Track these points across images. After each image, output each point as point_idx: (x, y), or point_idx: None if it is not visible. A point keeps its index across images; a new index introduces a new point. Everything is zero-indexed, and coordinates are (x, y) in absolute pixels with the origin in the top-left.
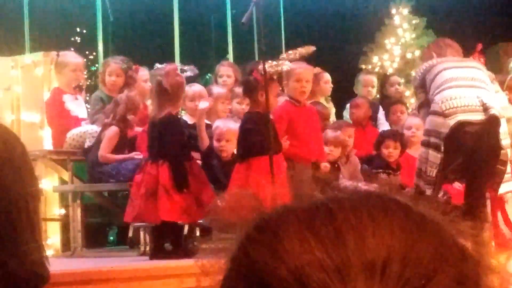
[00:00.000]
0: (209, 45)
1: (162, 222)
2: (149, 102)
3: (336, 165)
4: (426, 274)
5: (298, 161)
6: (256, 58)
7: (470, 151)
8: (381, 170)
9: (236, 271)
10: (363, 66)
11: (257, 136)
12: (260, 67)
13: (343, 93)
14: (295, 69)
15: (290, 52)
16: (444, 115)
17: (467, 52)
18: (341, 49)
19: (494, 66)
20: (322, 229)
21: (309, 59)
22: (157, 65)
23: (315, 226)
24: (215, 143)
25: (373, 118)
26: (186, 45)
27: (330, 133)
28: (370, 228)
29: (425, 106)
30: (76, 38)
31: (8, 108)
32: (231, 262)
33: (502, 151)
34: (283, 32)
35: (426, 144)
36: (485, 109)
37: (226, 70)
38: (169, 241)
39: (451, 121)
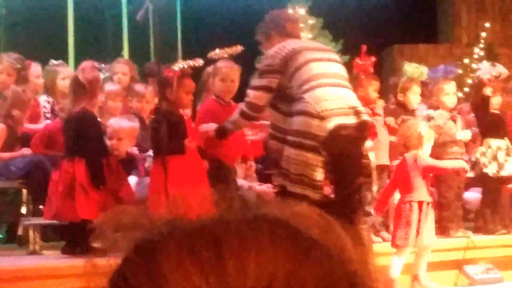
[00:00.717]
0: (104, 42)
1: (82, 220)
2: (42, 99)
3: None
4: None
5: (224, 160)
6: (152, 55)
7: (342, 153)
8: (274, 171)
9: None
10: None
11: (167, 134)
12: (175, 65)
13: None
14: (221, 68)
15: (217, 51)
16: (319, 117)
17: (356, 54)
18: (238, 43)
19: (389, 68)
20: (203, 254)
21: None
22: (52, 61)
23: (196, 250)
24: (108, 142)
25: None
26: (80, 40)
27: None
28: (253, 254)
29: (271, 91)
30: None
31: None
32: (109, 284)
33: (365, 161)
34: (179, 28)
35: (297, 146)
36: (356, 113)
37: (122, 68)
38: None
39: (328, 124)
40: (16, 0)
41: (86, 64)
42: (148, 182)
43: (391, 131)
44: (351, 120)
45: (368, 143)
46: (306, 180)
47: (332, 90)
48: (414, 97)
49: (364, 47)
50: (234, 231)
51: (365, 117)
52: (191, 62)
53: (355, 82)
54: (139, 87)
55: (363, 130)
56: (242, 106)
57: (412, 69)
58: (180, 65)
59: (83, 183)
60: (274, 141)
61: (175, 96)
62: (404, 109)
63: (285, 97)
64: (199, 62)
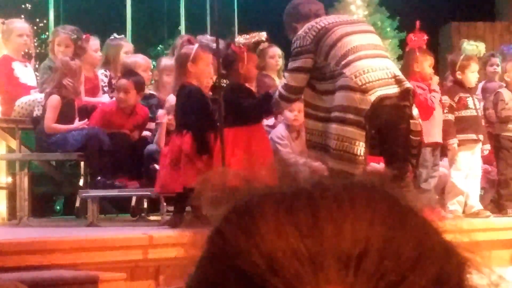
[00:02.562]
0: (161, 16)
1: (184, 189)
2: (100, 72)
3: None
4: (403, 270)
5: None
6: (208, 30)
7: (387, 125)
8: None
9: (210, 251)
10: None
11: (242, 106)
12: (236, 40)
13: None
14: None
15: (241, 39)
16: (361, 90)
17: (410, 30)
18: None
19: (446, 46)
20: (300, 216)
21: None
22: (115, 35)
23: (293, 212)
24: (166, 116)
25: None
26: (138, 15)
27: None
28: (350, 219)
29: (307, 72)
30: (27, 5)
31: None
32: (207, 241)
33: (414, 121)
34: (235, 3)
35: (340, 121)
36: (398, 81)
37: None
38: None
39: (371, 97)
40: None
41: (185, 38)
42: None
43: (448, 109)
44: (394, 89)
45: (414, 111)
46: (346, 155)
47: (371, 61)
48: (472, 75)
49: (418, 23)
50: (331, 195)
51: (407, 84)
52: (256, 37)
53: (410, 57)
54: (166, 61)
55: (407, 97)
56: (280, 88)
57: (471, 46)
58: (242, 39)
59: (189, 153)
60: (311, 120)
61: (246, 69)
62: (461, 87)
63: (321, 76)
64: (263, 36)
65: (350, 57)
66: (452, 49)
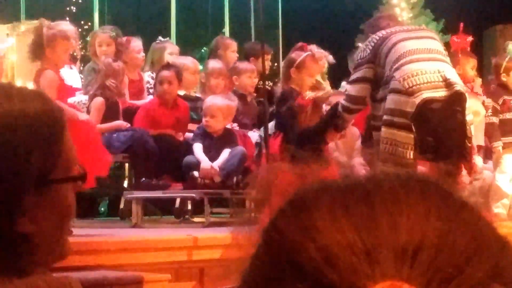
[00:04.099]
0: (206, 18)
1: None
2: (146, 74)
3: None
4: (459, 264)
5: None
6: (252, 33)
7: (437, 129)
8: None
9: (266, 245)
10: (360, 44)
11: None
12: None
13: (339, 71)
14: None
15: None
16: (407, 93)
17: (454, 33)
18: (338, 26)
19: (490, 49)
20: (356, 209)
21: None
22: (160, 38)
23: (349, 205)
24: (203, 118)
25: None
26: (182, 17)
27: None
28: (405, 212)
29: (367, 82)
30: (72, 7)
31: (3, 76)
32: (263, 235)
33: (468, 127)
34: (280, 7)
35: (388, 124)
36: (449, 85)
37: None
38: None
39: (416, 100)
40: None
41: (298, 45)
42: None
43: (492, 112)
44: (442, 92)
45: (469, 117)
46: (395, 159)
47: (421, 64)
48: None
49: (461, 25)
50: (386, 188)
51: (459, 87)
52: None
53: (452, 60)
54: (244, 64)
55: (457, 101)
56: (342, 101)
57: None
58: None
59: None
60: (375, 132)
61: (299, 77)
62: (505, 89)
63: (380, 85)
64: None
65: (401, 61)
66: (496, 51)
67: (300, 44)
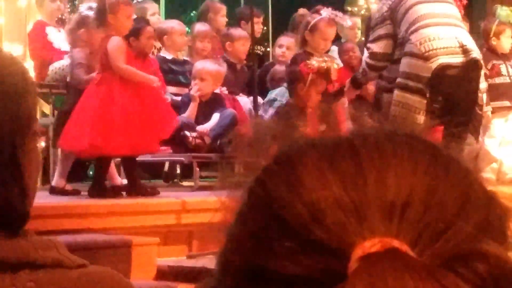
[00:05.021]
0: None
1: None
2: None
3: None
4: (448, 219)
5: None
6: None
7: (450, 95)
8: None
9: (252, 203)
10: (349, 8)
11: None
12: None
13: None
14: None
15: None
16: (424, 57)
17: None
18: None
19: (480, 13)
20: (343, 165)
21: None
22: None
23: (335, 160)
24: (192, 81)
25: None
26: None
27: None
28: (393, 167)
29: (390, 38)
30: None
31: None
32: (247, 193)
33: (480, 95)
34: None
35: (402, 87)
36: (465, 51)
37: (214, 8)
38: None
39: (433, 65)
40: None
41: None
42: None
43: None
44: (459, 59)
45: (482, 85)
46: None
47: (439, 29)
48: (506, 40)
49: None
50: (373, 143)
51: (475, 54)
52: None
53: None
54: (238, 31)
55: (473, 68)
56: (366, 59)
57: (506, 12)
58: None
59: None
60: (385, 93)
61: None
62: (494, 54)
63: (396, 46)
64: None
65: (418, 24)
66: (486, 15)
67: (317, 7)
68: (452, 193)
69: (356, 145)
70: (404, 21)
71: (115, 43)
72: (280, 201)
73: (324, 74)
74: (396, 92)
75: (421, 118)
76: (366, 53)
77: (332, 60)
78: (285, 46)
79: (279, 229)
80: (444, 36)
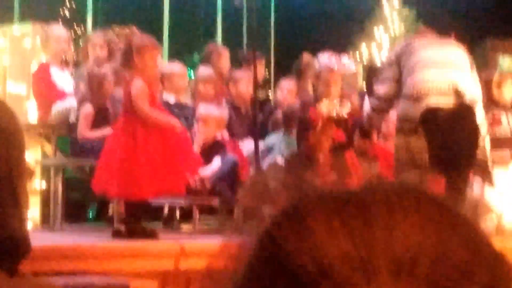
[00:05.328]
0: (198, 24)
1: None
2: None
3: None
4: (455, 278)
5: None
6: (244, 40)
7: (445, 138)
8: None
9: (260, 255)
10: (351, 55)
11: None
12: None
13: None
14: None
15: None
16: (414, 99)
17: None
18: (330, 34)
19: (481, 62)
20: (351, 221)
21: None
22: None
23: (344, 216)
24: (195, 125)
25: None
26: (175, 22)
27: None
28: (401, 223)
29: (395, 81)
30: (65, 11)
31: None
32: (256, 244)
33: (481, 137)
34: (272, 16)
35: (399, 131)
36: (458, 94)
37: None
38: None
39: (422, 105)
40: None
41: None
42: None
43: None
44: (449, 101)
45: (483, 129)
46: (412, 165)
47: (434, 71)
48: (508, 91)
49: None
50: (381, 199)
51: (469, 98)
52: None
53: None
54: (241, 72)
55: (464, 113)
56: (371, 100)
57: (508, 62)
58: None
59: None
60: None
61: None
62: (495, 104)
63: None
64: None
65: (416, 67)
66: (487, 65)
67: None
68: (460, 252)
69: (365, 201)
70: (406, 66)
71: (139, 86)
72: (289, 254)
73: (335, 120)
74: (396, 137)
75: (425, 157)
76: (368, 99)
77: (342, 105)
78: (286, 90)
79: (287, 283)
80: (437, 79)
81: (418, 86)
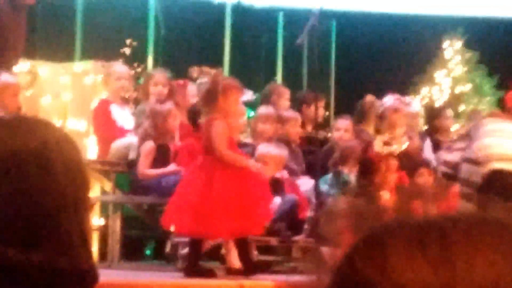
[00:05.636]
0: (258, 64)
1: None
2: None
3: None
4: None
5: None
6: (304, 81)
7: (500, 201)
8: None
9: (341, 282)
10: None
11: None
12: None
13: None
14: None
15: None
16: (477, 162)
17: (508, 88)
18: (391, 75)
19: None
20: (432, 248)
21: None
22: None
23: (424, 244)
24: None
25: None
26: (235, 62)
27: None
28: (481, 252)
29: (459, 151)
30: (126, 49)
31: (56, 114)
32: (336, 272)
33: None
34: (333, 58)
35: (460, 195)
36: None
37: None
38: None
39: (484, 169)
40: (175, 21)
41: None
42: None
43: None
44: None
45: None
46: None
47: (500, 140)
48: None
49: None
50: (462, 228)
51: None
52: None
53: (509, 116)
54: (289, 113)
55: None
56: (442, 168)
57: None
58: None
59: None
60: None
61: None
62: None
63: None
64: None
65: (482, 135)
66: None
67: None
68: None
69: (445, 229)
70: (474, 136)
71: (221, 128)
72: (369, 281)
73: (395, 156)
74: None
75: None
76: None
77: (398, 142)
78: (342, 129)
79: None
80: (503, 145)
81: (483, 151)
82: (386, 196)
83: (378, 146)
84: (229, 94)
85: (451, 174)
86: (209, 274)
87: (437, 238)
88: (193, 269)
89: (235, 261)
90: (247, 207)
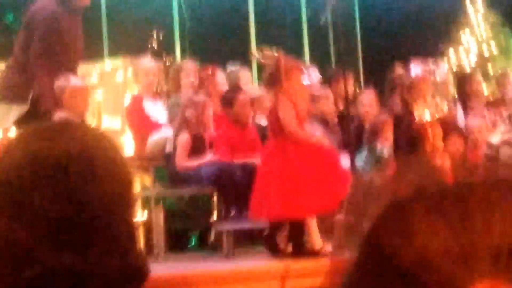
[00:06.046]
0: (285, 45)
1: None
2: None
3: None
4: None
5: None
6: (332, 59)
7: None
8: None
9: (366, 251)
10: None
11: None
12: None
13: None
14: None
15: None
16: None
17: None
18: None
19: None
20: (451, 213)
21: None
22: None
23: (444, 209)
24: None
25: None
26: (261, 43)
27: None
28: (498, 214)
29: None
30: (153, 43)
31: (90, 114)
32: (362, 243)
33: None
34: (358, 32)
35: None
36: None
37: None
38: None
39: None
40: (200, 11)
41: None
42: None
43: None
44: None
45: None
46: None
47: None
48: None
49: None
50: (479, 192)
51: None
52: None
53: None
54: (319, 90)
55: None
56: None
57: None
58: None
59: None
60: None
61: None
62: None
63: None
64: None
65: None
66: None
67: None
68: None
69: (463, 194)
70: None
71: (288, 108)
72: (393, 248)
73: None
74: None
75: None
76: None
77: (437, 108)
78: (367, 104)
79: (391, 276)
80: None
81: None
82: (442, 163)
83: (421, 114)
84: (291, 75)
85: (494, 157)
86: (315, 253)
87: (455, 203)
88: (300, 249)
89: (317, 241)
90: (325, 183)
